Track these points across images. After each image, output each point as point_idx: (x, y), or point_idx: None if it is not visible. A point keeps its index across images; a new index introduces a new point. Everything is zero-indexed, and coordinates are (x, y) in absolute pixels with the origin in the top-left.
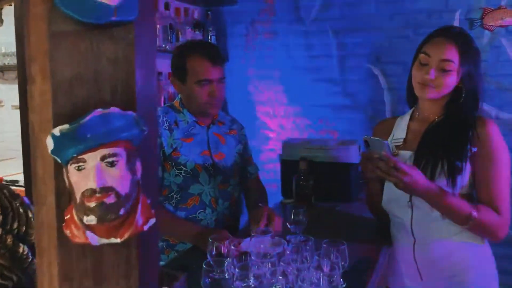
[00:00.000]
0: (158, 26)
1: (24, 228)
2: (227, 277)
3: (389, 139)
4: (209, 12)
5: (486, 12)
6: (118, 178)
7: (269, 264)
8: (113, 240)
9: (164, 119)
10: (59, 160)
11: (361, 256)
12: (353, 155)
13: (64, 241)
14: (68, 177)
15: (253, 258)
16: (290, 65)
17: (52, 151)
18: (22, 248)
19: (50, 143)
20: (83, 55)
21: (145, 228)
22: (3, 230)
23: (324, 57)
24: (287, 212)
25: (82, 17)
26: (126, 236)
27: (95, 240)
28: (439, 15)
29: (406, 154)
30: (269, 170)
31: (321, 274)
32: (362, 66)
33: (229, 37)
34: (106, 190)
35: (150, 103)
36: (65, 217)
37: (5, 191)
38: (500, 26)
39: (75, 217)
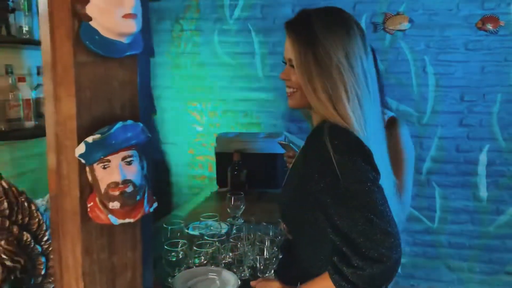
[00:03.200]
0: None
1: (27, 219)
2: (181, 257)
3: None
4: None
5: (387, 17)
6: (134, 173)
7: (220, 242)
8: (128, 220)
9: None
10: (83, 161)
11: None
12: (278, 146)
13: (86, 223)
14: (93, 174)
15: (205, 237)
16: (215, 62)
17: (82, 154)
18: (26, 236)
19: (82, 148)
20: (99, 80)
21: (151, 210)
22: (10, 221)
23: (247, 55)
24: (227, 199)
25: (105, 52)
26: (138, 217)
27: (115, 221)
28: None
29: None
30: (200, 163)
31: (265, 246)
32: (281, 63)
33: (155, 33)
34: (126, 182)
35: (148, 115)
36: (88, 205)
37: (13, 188)
38: (399, 30)
39: (99, 204)
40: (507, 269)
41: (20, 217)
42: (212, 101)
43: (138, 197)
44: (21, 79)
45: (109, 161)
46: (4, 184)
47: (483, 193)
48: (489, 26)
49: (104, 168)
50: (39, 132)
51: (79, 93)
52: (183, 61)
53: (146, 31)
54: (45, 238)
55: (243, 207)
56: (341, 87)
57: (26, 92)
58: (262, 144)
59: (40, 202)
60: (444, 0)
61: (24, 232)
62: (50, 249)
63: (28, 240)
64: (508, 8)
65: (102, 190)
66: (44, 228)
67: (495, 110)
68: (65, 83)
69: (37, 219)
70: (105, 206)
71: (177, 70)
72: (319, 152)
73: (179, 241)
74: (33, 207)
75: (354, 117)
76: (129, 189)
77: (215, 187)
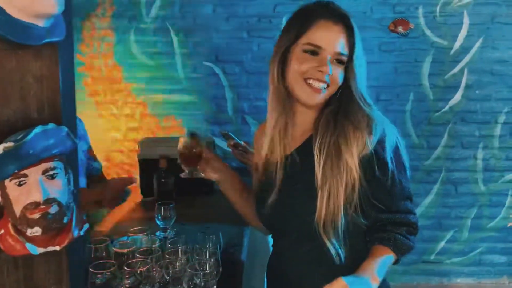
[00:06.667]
0: None
1: None
2: (109, 279)
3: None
4: None
5: None
6: (59, 189)
7: (154, 259)
8: (51, 249)
9: None
10: None
11: (229, 240)
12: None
13: None
14: (4, 193)
15: (136, 255)
16: (132, 62)
17: None
18: None
19: None
20: (9, 74)
21: (82, 234)
22: None
23: (166, 55)
24: (156, 209)
25: (16, 39)
26: (65, 243)
27: (35, 250)
28: (268, 20)
29: None
30: (119, 172)
31: (204, 259)
32: (203, 64)
33: None
34: (49, 201)
35: (72, 118)
36: None
37: None
38: None
39: (12, 231)
40: (423, 258)
41: None
42: (129, 105)
43: (66, 219)
44: None
45: (25, 175)
46: None
47: None
48: (400, 29)
49: (20, 184)
50: None
51: None
52: (96, 62)
53: (68, 14)
54: None
55: (175, 218)
56: None
57: None
58: None
59: None
60: (359, 3)
61: None
62: None
63: None
64: (416, 12)
65: (18, 213)
66: None
67: (408, 108)
68: None
69: None
70: (21, 233)
71: (90, 72)
72: None
73: (106, 262)
74: None
75: None
76: (54, 209)
77: (138, 197)
